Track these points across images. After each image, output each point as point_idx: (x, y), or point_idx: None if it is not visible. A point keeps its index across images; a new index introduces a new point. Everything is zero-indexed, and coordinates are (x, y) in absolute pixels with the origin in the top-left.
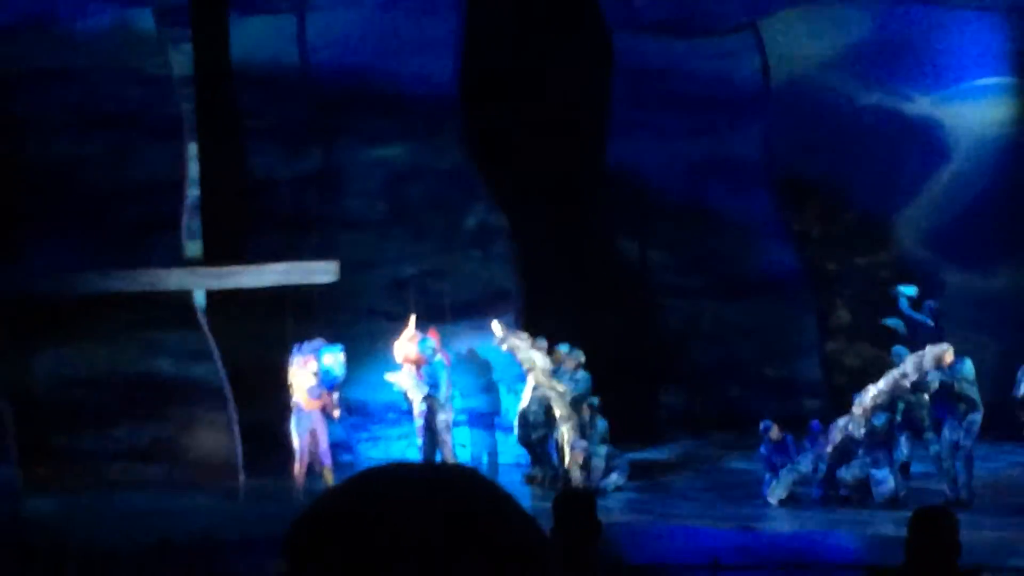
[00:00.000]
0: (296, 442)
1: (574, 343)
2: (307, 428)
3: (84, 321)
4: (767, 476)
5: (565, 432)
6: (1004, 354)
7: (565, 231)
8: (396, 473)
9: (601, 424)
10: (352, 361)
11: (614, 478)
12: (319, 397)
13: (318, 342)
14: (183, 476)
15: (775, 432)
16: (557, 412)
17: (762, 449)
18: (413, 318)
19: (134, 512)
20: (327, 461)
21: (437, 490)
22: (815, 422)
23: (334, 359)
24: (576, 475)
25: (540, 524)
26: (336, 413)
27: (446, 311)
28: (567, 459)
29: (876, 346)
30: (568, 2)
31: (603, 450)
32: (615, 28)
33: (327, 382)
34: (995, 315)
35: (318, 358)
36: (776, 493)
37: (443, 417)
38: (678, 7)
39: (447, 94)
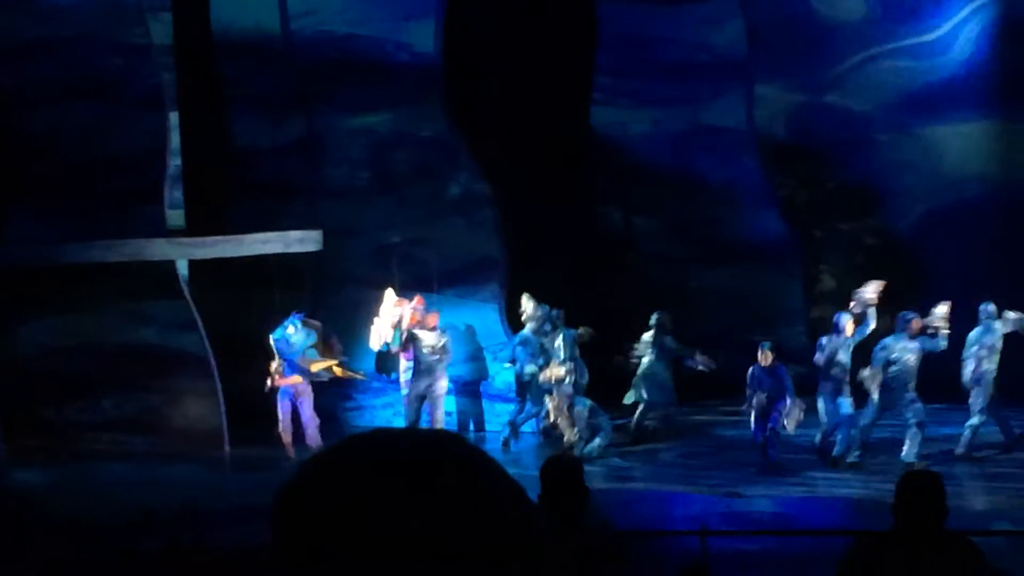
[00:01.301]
0: (279, 415)
1: (559, 309)
2: (288, 400)
3: (68, 292)
4: (750, 396)
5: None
6: None
7: (549, 199)
8: (381, 439)
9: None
10: (337, 330)
11: (597, 443)
12: (292, 374)
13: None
14: (168, 446)
15: (767, 356)
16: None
17: (753, 369)
18: (390, 291)
19: (119, 483)
20: (310, 431)
21: (423, 456)
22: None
23: (292, 329)
24: (563, 425)
25: (527, 491)
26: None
27: (432, 279)
28: (550, 406)
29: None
30: None
31: (587, 401)
32: None
33: (287, 352)
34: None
35: (283, 332)
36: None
37: (442, 384)
38: None
39: (430, 62)
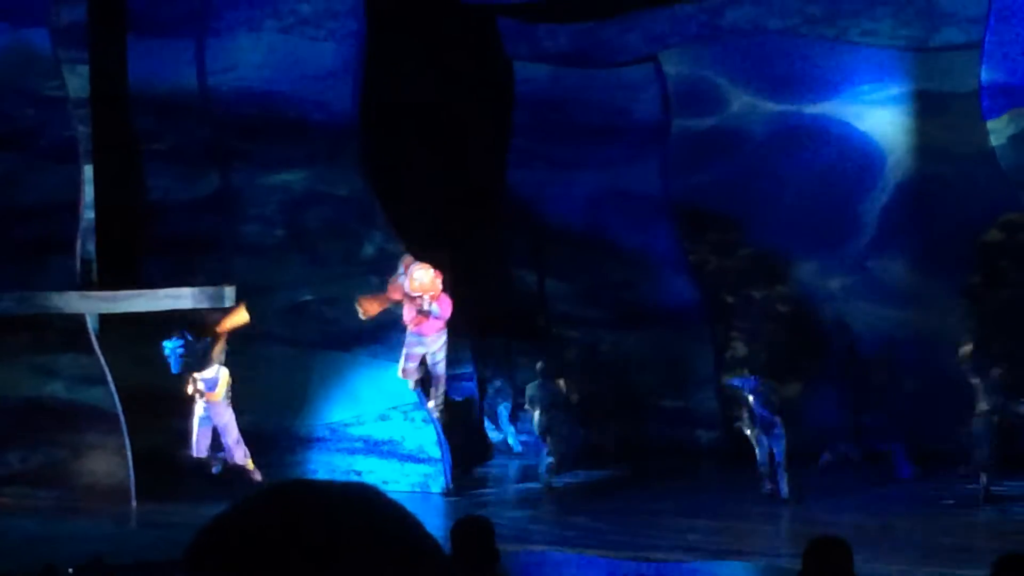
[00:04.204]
0: (195, 439)
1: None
2: (208, 426)
3: None
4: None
5: None
6: None
7: (463, 260)
8: (298, 490)
9: None
10: (246, 387)
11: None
12: (213, 389)
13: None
14: (75, 501)
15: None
16: None
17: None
18: (408, 257)
19: (22, 538)
20: (237, 455)
21: (343, 508)
22: None
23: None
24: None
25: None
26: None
27: (344, 338)
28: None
29: (772, 378)
30: (469, 31)
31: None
32: (515, 57)
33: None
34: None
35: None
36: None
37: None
38: (579, 38)
39: (346, 120)
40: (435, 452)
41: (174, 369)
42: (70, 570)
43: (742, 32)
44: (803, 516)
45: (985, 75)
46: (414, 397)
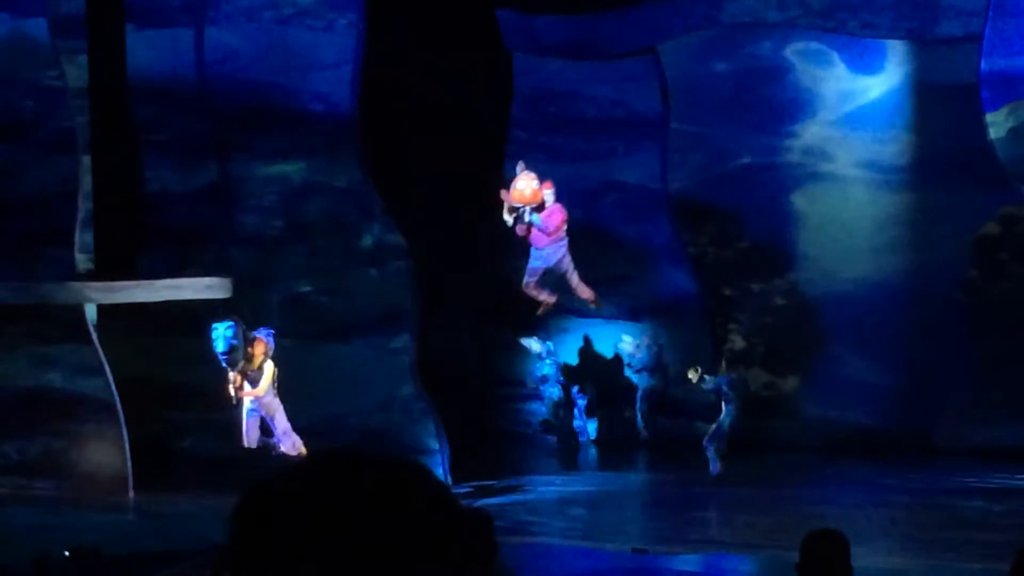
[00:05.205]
0: (245, 432)
1: (469, 364)
2: (257, 416)
3: None
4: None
5: None
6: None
7: (461, 251)
8: (351, 459)
9: None
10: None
11: None
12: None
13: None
14: (72, 491)
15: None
16: None
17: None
18: (521, 164)
19: (19, 527)
20: (285, 444)
21: (389, 479)
22: None
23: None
24: None
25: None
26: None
27: (342, 329)
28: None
29: (769, 372)
30: (468, 22)
31: None
32: (514, 49)
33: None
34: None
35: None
36: None
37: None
38: (578, 29)
39: (345, 112)
40: (433, 444)
41: (222, 348)
42: (66, 552)
43: (742, 25)
44: (802, 508)
45: (985, 67)
46: (412, 389)
